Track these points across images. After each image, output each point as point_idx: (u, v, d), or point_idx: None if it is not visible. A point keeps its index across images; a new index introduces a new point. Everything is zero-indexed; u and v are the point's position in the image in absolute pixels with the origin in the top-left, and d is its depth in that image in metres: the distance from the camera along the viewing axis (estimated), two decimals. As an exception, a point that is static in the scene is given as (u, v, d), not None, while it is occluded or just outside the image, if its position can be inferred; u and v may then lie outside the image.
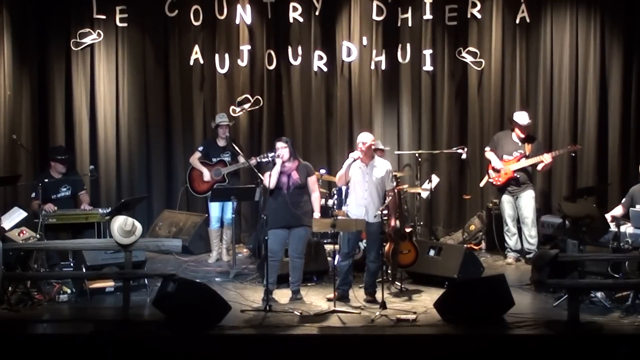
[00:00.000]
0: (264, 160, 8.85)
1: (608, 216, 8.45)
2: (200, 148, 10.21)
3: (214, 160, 10.11)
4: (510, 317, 7.51)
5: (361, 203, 8.23)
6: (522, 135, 10.00)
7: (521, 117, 9.99)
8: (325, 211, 9.75)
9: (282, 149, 8.17)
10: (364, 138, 8.26)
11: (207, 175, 10.05)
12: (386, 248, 8.34)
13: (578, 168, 10.94)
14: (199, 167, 10.10)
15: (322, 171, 9.93)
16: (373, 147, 8.37)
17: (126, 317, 7.44)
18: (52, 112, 10.96)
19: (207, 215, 10.33)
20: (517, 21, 10.98)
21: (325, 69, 11.15)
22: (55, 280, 8.53)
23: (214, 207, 10.02)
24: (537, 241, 9.93)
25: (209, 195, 10.02)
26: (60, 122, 10.99)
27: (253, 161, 9.81)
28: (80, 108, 11.02)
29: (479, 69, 11.06)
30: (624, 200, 8.98)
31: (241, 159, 10.11)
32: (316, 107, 11.21)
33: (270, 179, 8.09)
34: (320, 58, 11.12)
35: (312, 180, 8.35)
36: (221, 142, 10.17)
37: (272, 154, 8.26)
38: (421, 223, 10.86)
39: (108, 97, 11.05)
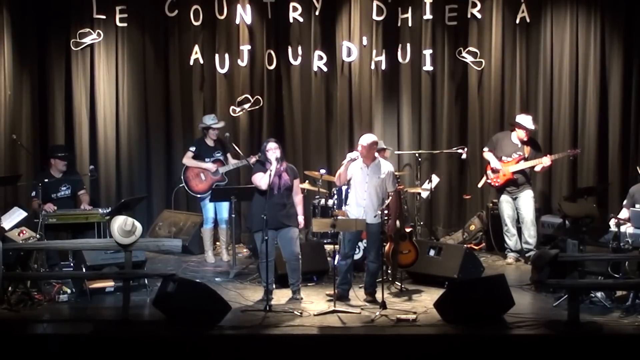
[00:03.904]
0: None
1: (613, 221, 8.43)
2: (193, 148, 10.10)
3: (207, 160, 10.06)
4: (510, 317, 7.51)
5: (361, 204, 8.25)
6: (525, 139, 9.99)
7: (527, 121, 9.98)
8: (325, 211, 9.78)
9: (277, 150, 8.16)
10: (363, 140, 8.27)
11: (212, 167, 9.99)
12: (386, 248, 8.34)
13: (578, 168, 10.94)
14: (198, 165, 10.02)
15: (322, 171, 9.93)
16: (376, 148, 8.37)
17: (126, 317, 7.44)
18: (52, 112, 10.97)
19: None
20: (517, 21, 10.97)
21: (325, 69, 11.15)
22: (55, 280, 8.54)
23: (208, 208, 10.02)
24: (536, 241, 9.93)
25: (205, 195, 10.00)
26: (60, 122, 11.00)
27: (252, 160, 9.82)
28: (80, 108, 11.02)
29: (479, 69, 11.06)
30: (625, 202, 8.99)
31: (230, 160, 10.09)
32: (316, 107, 11.21)
33: (264, 179, 8.06)
34: (320, 58, 11.12)
35: (297, 183, 8.41)
36: (210, 142, 10.15)
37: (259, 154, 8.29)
38: (421, 223, 10.86)
39: (108, 97, 11.05)
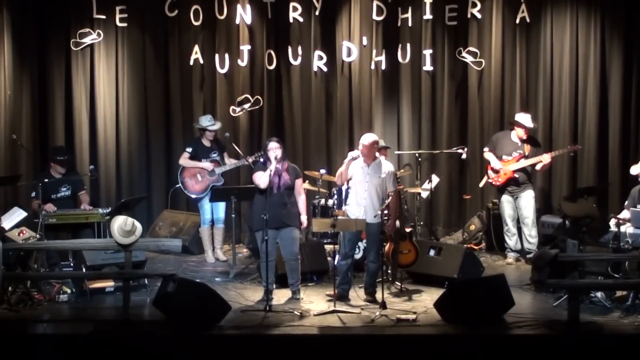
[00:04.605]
0: (260, 159, 8.87)
1: (613, 220, 8.44)
2: (190, 149, 10.09)
3: (204, 161, 10.06)
4: (510, 317, 7.51)
5: (361, 203, 8.24)
6: (525, 137, 9.99)
7: (526, 120, 9.99)
8: (325, 211, 9.78)
9: (277, 149, 8.16)
10: (365, 139, 8.26)
11: (209, 166, 9.97)
12: (386, 248, 8.34)
13: (578, 168, 10.94)
14: (196, 165, 10.00)
15: (322, 171, 9.93)
16: (377, 147, 8.37)
17: (126, 317, 7.44)
18: (52, 112, 10.97)
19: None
20: (517, 21, 10.97)
21: (325, 69, 11.15)
22: (55, 280, 8.54)
23: (205, 208, 10.02)
24: (537, 241, 9.93)
25: (203, 195, 9.99)
26: (60, 122, 11.00)
27: (248, 160, 9.82)
28: (80, 108, 11.02)
29: (479, 69, 11.06)
30: (627, 203, 9.01)
31: (227, 160, 10.09)
32: (316, 107, 11.21)
33: (262, 178, 8.08)
34: (320, 58, 11.12)
35: (300, 183, 8.40)
36: (207, 143, 10.15)
37: (259, 153, 8.24)
38: (421, 223, 10.85)
39: (108, 97, 11.05)
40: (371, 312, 7.80)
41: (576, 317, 7.31)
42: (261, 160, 8.45)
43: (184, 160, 10.09)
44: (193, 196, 10.14)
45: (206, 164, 9.99)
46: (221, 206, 9.95)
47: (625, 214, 8.88)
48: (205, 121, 10.13)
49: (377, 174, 8.24)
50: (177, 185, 10.33)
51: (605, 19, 10.83)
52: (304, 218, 8.35)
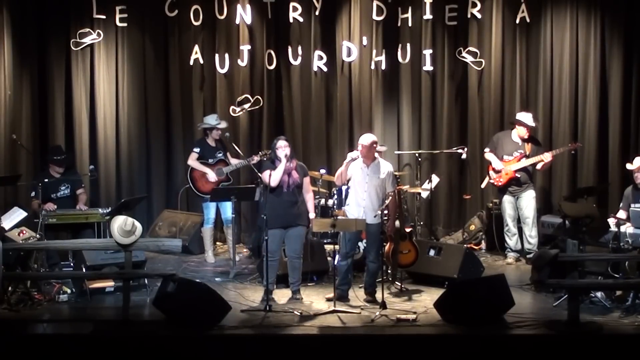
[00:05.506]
0: (264, 158, 8.88)
1: (613, 220, 8.45)
2: (198, 149, 10.10)
3: (210, 161, 10.07)
4: (510, 317, 7.52)
5: (361, 204, 8.24)
6: (526, 136, 9.99)
7: (528, 119, 9.99)
8: (325, 211, 9.78)
9: (286, 148, 8.17)
10: (363, 140, 8.26)
11: (212, 176, 10.00)
12: (386, 248, 8.34)
13: (578, 168, 10.94)
14: (202, 169, 10.03)
15: (322, 171, 9.92)
16: (376, 148, 8.36)
17: (126, 317, 7.44)
18: (52, 112, 10.96)
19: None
20: (517, 21, 10.97)
21: (325, 69, 11.15)
22: (55, 280, 8.54)
23: (210, 208, 10.01)
24: (537, 241, 9.93)
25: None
26: (60, 122, 10.99)
27: (254, 159, 9.82)
28: (80, 108, 11.02)
29: (479, 69, 11.06)
30: (622, 204, 9.05)
31: (233, 159, 10.09)
32: (316, 107, 11.21)
33: (273, 177, 8.08)
34: (320, 58, 11.12)
35: (307, 181, 8.40)
36: (212, 142, 10.16)
37: (263, 152, 8.22)
38: (421, 223, 10.85)
39: (108, 97, 11.05)
40: (371, 312, 7.80)
41: (576, 317, 7.31)
42: (264, 158, 8.45)
43: (193, 161, 10.08)
44: (204, 196, 10.12)
45: (211, 175, 9.98)
46: (228, 206, 9.92)
47: (621, 214, 8.92)
48: (212, 120, 10.15)
49: (377, 175, 8.24)
50: (187, 186, 10.33)
51: (605, 19, 10.83)
52: (312, 216, 8.34)
